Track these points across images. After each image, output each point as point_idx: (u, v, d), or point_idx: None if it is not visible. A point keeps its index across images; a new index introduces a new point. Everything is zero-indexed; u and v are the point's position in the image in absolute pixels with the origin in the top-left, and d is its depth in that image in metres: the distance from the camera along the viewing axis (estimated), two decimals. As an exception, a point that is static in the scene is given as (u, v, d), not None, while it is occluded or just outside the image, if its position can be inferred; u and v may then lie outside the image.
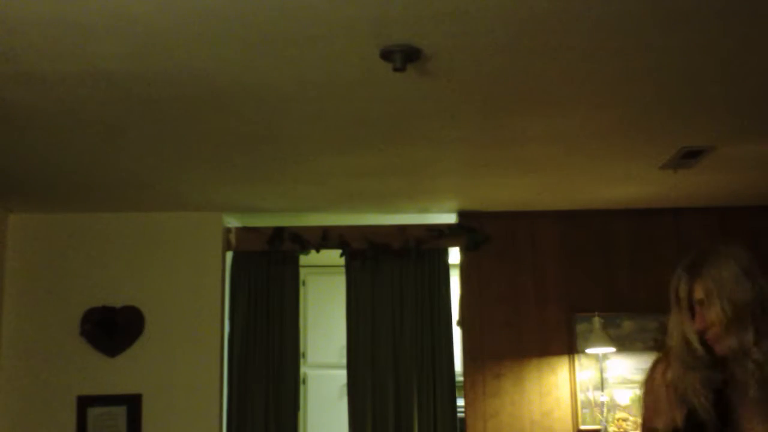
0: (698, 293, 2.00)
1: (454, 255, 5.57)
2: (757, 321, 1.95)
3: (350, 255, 5.41)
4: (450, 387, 5.28)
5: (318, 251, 5.39)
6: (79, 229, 5.20)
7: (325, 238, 5.36)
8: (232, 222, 5.47)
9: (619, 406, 5.19)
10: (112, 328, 5.07)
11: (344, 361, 5.37)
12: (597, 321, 5.14)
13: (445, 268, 5.46)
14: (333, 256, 5.46)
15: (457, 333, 5.43)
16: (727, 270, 1.98)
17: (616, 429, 5.03)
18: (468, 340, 5.35)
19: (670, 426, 2.03)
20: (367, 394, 5.24)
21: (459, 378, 5.38)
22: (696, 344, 2.00)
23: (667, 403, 2.04)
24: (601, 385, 5.16)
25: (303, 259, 5.49)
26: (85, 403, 4.97)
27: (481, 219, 5.41)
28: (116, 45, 2.75)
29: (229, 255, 5.42)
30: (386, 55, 2.81)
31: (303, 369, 6.16)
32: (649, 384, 2.13)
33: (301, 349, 5.83)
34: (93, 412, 4.97)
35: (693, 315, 2.01)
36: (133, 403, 5.00)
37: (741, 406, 1.97)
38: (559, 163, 4.38)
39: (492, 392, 5.25)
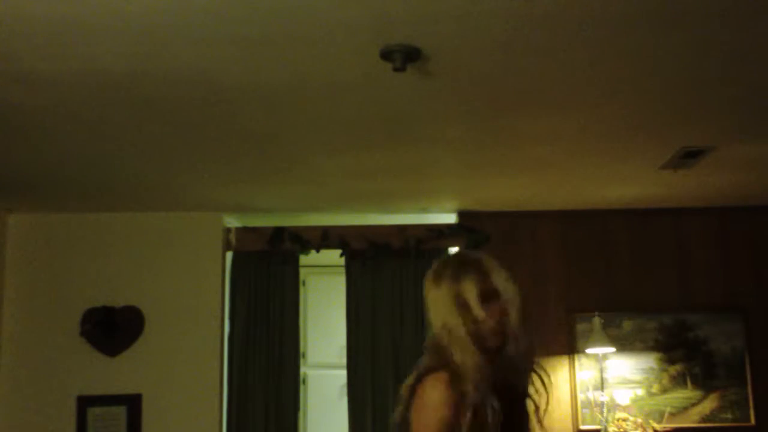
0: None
1: (454, 255, 5.56)
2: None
3: (350, 255, 5.41)
4: (450, 387, 5.27)
5: (318, 251, 5.39)
6: (79, 229, 5.20)
7: (325, 238, 5.35)
8: (232, 222, 5.47)
9: (619, 406, 5.18)
10: (112, 328, 5.07)
11: (344, 361, 5.36)
12: (597, 321, 5.14)
13: (446, 268, 5.45)
14: (333, 256, 5.45)
15: (457, 333, 5.42)
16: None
17: (616, 429, 5.03)
18: (468, 340, 5.34)
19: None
20: (367, 394, 5.24)
21: (459, 378, 5.37)
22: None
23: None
24: (601, 385, 5.16)
25: (303, 259, 5.49)
26: (85, 403, 4.97)
27: (481, 219, 5.41)
28: (116, 45, 2.75)
29: (229, 255, 5.42)
30: (386, 55, 2.81)
31: (303, 369, 6.15)
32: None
33: (301, 349, 5.82)
34: (93, 412, 4.97)
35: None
36: (133, 403, 5.00)
37: None
38: (559, 163, 4.38)
39: (492, 392, 5.24)
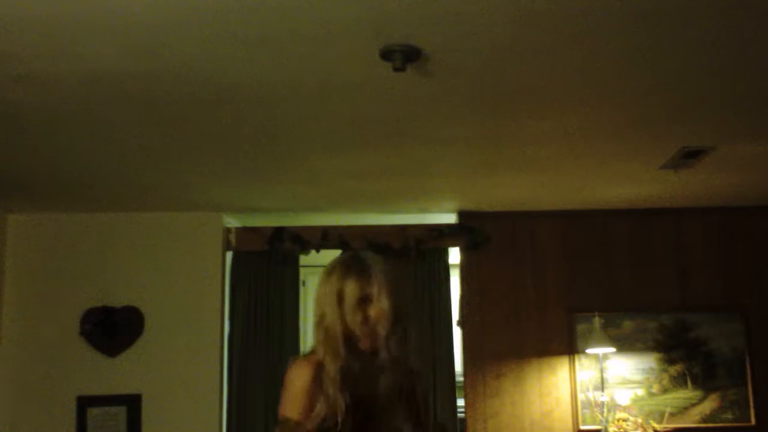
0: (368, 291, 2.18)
1: (454, 255, 5.57)
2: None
3: (350, 255, 5.40)
4: (450, 387, 5.28)
5: (318, 251, 5.39)
6: (79, 229, 5.20)
7: (325, 238, 5.35)
8: (232, 222, 5.47)
9: (619, 406, 5.18)
10: (112, 328, 5.07)
11: (344, 361, 5.35)
12: (597, 321, 5.14)
13: (445, 268, 5.46)
14: (333, 256, 5.43)
15: (457, 333, 5.43)
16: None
17: (616, 429, 5.02)
18: (468, 340, 5.35)
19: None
20: (367, 394, 5.23)
21: (459, 378, 5.38)
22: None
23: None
24: (602, 386, 5.16)
25: (303, 259, 5.49)
26: (85, 403, 4.97)
27: (481, 219, 5.41)
28: (116, 45, 2.75)
29: (229, 255, 5.42)
30: (386, 55, 2.81)
31: (303, 369, 6.14)
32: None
33: (301, 349, 5.82)
34: (93, 412, 4.97)
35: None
36: (132, 403, 5.00)
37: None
38: (559, 163, 4.38)
39: (492, 392, 5.25)
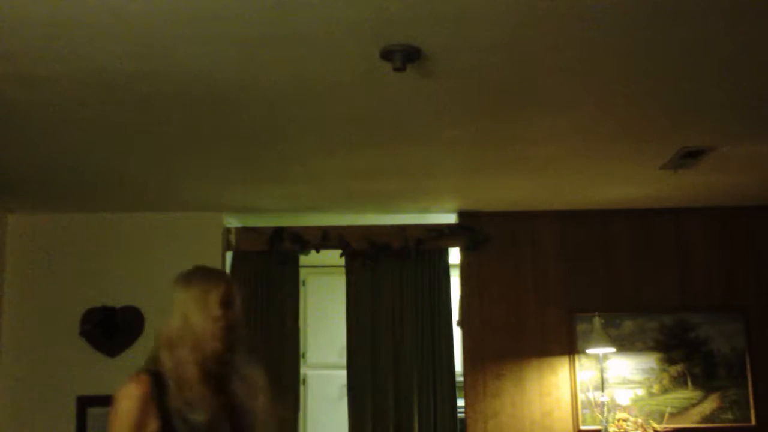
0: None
1: (454, 255, 5.57)
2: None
3: (350, 255, 5.41)
4: (450, 387, 5.28)
5: (318, 251, 5.39)
6: (79, 229, 5.20)
7: (325, 238, 5.35)
8: (232, 222, 5.47)
9: (619, 406, 5.18)
10: (112, 329, 5.06)
11: (344, 361, 5.36)
12: (597, 321, 5.13)
13: (446, 269, 5.46)
14: (333, 256, 5.45)
15: (457, 333, 5.43)
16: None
17: (616, 429, 5.02)
18: (468, 340, 5.35)
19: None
20: (367, 394, 5.24)
21: (459, 378, 5.38)
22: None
23: None
24: (602, 386, 5.16)
25: (303, 259, 5.49)
26: (85, 403, 4.97)
27: (481, 219, 5.41)
28: (116, 45, 2.75)
29: (229, 255, 5.41)
30: (386, 55, 2.81)
31: (303, 369, 6.15)
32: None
33: (301, 350, 5.82)
34: (93, 412, 4.96)
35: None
36: (133, 403, 4.99)
37: None
38: (559, 163, 4.38)
39: (492, 392, 5.25)
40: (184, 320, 2.25)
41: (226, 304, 2.27)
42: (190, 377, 2.19)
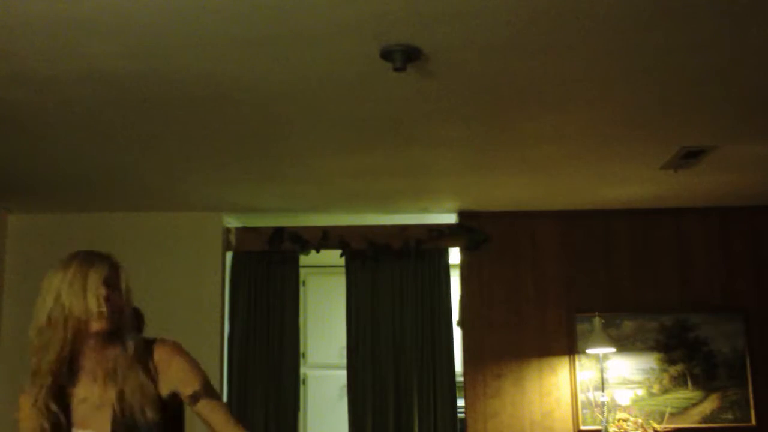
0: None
1: (455, 255, 5.57)
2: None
3: (350, 255, 5.41)
4: (450, 387, 5.28)
5: (318, 251, 5.39)
6: (79, 229, 5.20)
7: (325, 238, 5.35)
8: (232, 222, 5.47)
9: (619, 406, 5.18)
10: (112, 328, 5.05)
11: (344, 361, 5.36)
12: (597, 321, 5.13)
13: (446, 268, 5.46)
14: (333, 256, 5.45)
15: (457, 333, 5.43)
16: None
17: (616, 429, 5.02)
18: (468, 340, 5.35)
19: None
20: (367, 395, 5.24)
21: (459, 378, 5.38)
22: None
23: None
24: (602, 386, 5.16)
25: (303, 259, 5.49)
26: (85, 403, 4.96)
27: (481, 219, 5.41)
28: (116, 45, 2.75)
29: (229, 255, 5.41)
30: (386, 55, 2.81)
31: (303, 369, 6.15)
32: None
33: (301, 350, 5.82)
34: (93, 412, 4.96)
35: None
36: (133, 403, 4.99)
37: None
38: (559, 163, 4.38)
39: (492, 392, 5.25)
40: (55, 304, 2.18)
41: (108, 284, 2.21)
42: (47, 364, 2.19)
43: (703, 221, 5.45)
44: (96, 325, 2.14)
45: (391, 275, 5.37)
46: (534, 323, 5.33)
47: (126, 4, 2.46)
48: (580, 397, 5.20)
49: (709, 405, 5.21)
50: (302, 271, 5.64)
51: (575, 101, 3.44)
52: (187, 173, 4.44)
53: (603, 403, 5.11)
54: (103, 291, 2.17)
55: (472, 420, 5.23)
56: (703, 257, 5.41)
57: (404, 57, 2.80)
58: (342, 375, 5.45)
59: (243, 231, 5.43)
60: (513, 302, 5.36)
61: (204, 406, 2.16)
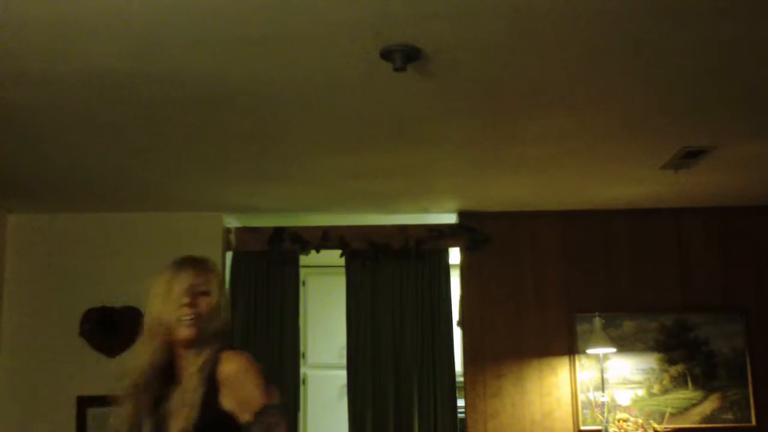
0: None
1: (455, 255, 5.56)
2: None
3: (350, 255, 5.41)
4: (450, 387, 5.28)
5: (318, 251, 5.39)
6: (79, 229, 5.20)
7: (325, 238, 5.35)
8: (232, 222, 5.47)
9: (619, 406, 5.18)
10: (112, 328, 5.06)
11: (344, 361, 5.36)
12: (597, 321, 5.13)
13: (446, 269, 5.46)
14: (333, 256, 5.45)
15: (457, 333, 5.43)
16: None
17: (616, 429, 5.02)
18: (468, 340, 5.35)
19: None
20: (367, 394, 5.24)
21: (459, 378, 5.38)
22: None
23: None
24: (602, 386, 5.16)
25: (303, 259, 5.49)
26: (85, 403, 4.97)
27: (481, 219, 5.40)
28: (116, 45, 2.75)
29: (229, 255, 5.41)
30: (386, 55, 2.81)
31: (303, 369, 6.15)
32: None
33: (301, 350, 5.82)
34: (93, 412, 4.96)
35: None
36: (133, 404, 4.99)
37: None
38: (559, 163, 4.38)
39: (492, 393, 5.25)
40: (149, 309, 2.22)
41: (194, 291, 2.19)
42: (141, 370, 2.19)
43: (703, 221, 5.45)
44: (180, 333, 2.15)
45: (391, 275, 5.37)
46: (534, 323, 5.33)
47: (126, 4, 2.46)
48: (581, 397, 5.20)
49: (710, 405, 5.21)
50: (302, 271, 5.64)
51: (575, 101, 3.44)
52: (187, 173, 4.44)
53: (603, 403, 5.11)
54: (185, 299, 2.16)
55: (472, 420, 5.23)
56: (703, 257, 5.41)
57: (404, 57, 2.80)
58: (342, 375, 5.44)
59: (243, 231, 5.43)
60: (513, 302, 5.36)
61: None
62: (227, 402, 2.08)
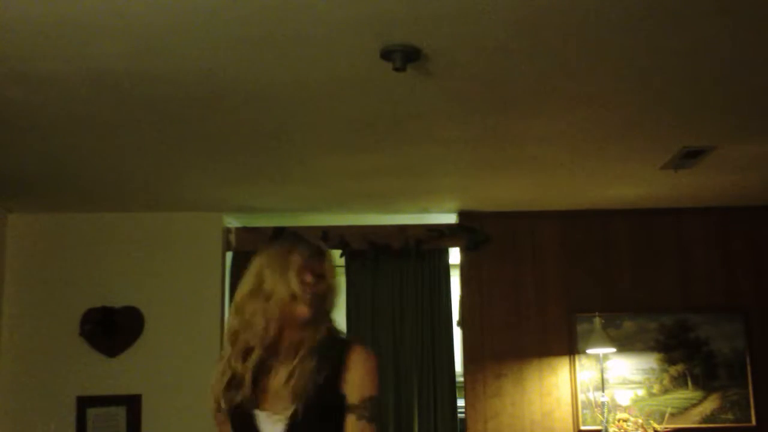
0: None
1: (455, 255, 5.56)
2: None
3: (350, 255, 5.41)
4: (450, 387, 5.28)
5: (318, 251, 5.38)
6: (79, 229, 5.20)
7: (325, 238, 5.35)
8: (232, 222, 5.47)
9: (619, 406, 5.18)
10: (112, 329, 5.06)
11: (344, 361, 5.35)
12: (597, 321, 5.13)
13: (446, 269, 5.46)
14: (333, 256, 5.44)
15: (457, 333, 5.43)
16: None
17: (616, 430, 5.02)
18: (468, 340, 5.35)
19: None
20: (367, 394, 5.23)
21: (459, 378, 5.38)
22: None
23: None
24: (602, 386, 5.16)
25: (303, 260, 5.47)
26: (85, 403, 4.97)
27: (481, 219, 5.40)
28: (116, 45, 2.75)
29: (229, 255, 5.41)
30: (386, 55, 2.81)
31: (303, 369, 6.14)
32: None
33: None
34: (93, 413, 4.97)
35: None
36: (132, 404, 5.00)
37: None
38: (559, 163, 4.38)
39: (492, 393, 5.25)
40: (259, 283, 2.15)
41: (312, 271, 2.15)
42: (246, 342, 2.14)
43: (703, 221, 5.45)
44: (299, 311, 2.11)
45: (391, 275, 5.37)
46: (534, 323, 5.33)
47: (126, 4, 2.46)
48: (581, 397, 5.20)
49: (710, 405, 5.21)
50: (302, 271, 5.63)
51: (575, 101, 3.44)
52: (187, 173, 4.44)
53: (603, 404, 5.11)
54: (309, 277, 2.13)
55: (472, 420, 5.23)
56: (703, 257, 5.41)
57: (404, 57, 2.80)
58: (342, 375, 5.43)
59: (243, 231, 5.43)
60: (513, 302, 5.36)
61: (351, 422, 2.07)
62: (346, 386, 2.09)
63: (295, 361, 2.08)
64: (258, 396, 2.11)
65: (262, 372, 2.12)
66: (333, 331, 2.18)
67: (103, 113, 3.43)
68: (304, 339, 2.12)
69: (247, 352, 2.13)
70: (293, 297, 2.11)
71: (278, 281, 2.12)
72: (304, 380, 2.06)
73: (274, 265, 2.15)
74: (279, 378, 2.10)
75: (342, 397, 2.08)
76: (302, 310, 2.11)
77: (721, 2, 2.54)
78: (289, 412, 2.05)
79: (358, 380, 2.09)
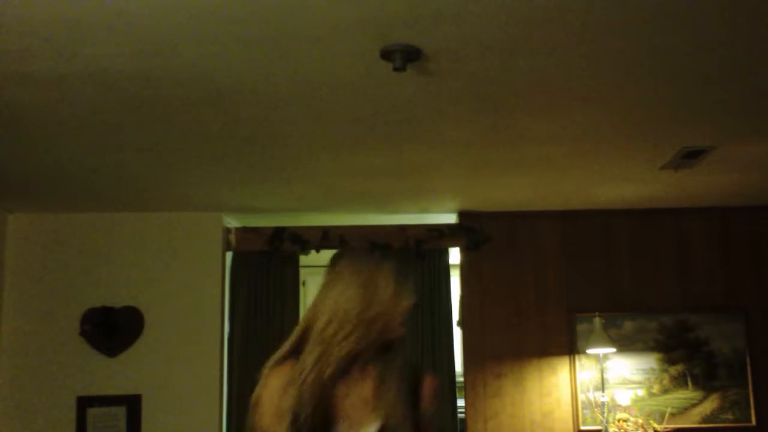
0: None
1: (455, 255, 5.56)
2: None
3: (350, 255, 5.40)
4: (450, 387, 5.28)
5: (318, 251, 5.39)
6: (79, 229, 5.20)
7: (325, 238, 5.35)
8: (232, 222, 5.47)
9: (619, 406, 5.18)
10: (112, 329, 5.06)
11: (344, 361, 5.35)
12: (597, 321, 5.13)
13: (446, 269, 5.46)
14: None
15: (457, 333, 5.42)
16: None
17: (616, 429, 5.02)
18: (468, 340, 5.35)
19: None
20: (367, 395, 5.23)
21: (459, 378, 5.37)
22: None
23: None
24: (602, 386, 5.16)
25: (303, 259, 5.49)
26: (85, 403, 4.97)
27: (481, 219, 5.41)
28: (116, 45, 2.75)
29: (229, 255, 5.41)
30: (386, 55, 2.81)
31: (303, 369, 6.13)
32: None
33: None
34: (93, 413, 4.97)
35: None
36: (132, 404, 5.00)
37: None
38: (559, 163, 4.38)
39: (492, 392, 5.25)
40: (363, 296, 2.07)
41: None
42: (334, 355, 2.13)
43: (703, 221, 5.45)
44: (397, 331, 2.07)
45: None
46: (534, 323, 5.33)
47: (126, 4, 2.46)
48: (581, 397, 5.20)
49: (710, 405, 5.21)
50: (302, 271, 5.63)
51: (575, 101, 3.44)
52: (187, 173, 4.44)
53: (603, 403, 5.11)
54: (408, 298, 2.08)
55: (472, 420, 5.22)
56: (703, 257, 5.41)
57: (404, 57, 2.80)
58: (342, 375, 5.43)
59: (243, 231, 5.43)
60: (513, 302, 5.36)
61: None
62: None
63: (385, 385, 2.05)
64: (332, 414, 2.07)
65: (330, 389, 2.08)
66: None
67: (104, 113, 3.43)
68: (385, 363, 2.08)
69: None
70: (396, 317, 2.07)
71: (386, 301, 2.07)
72: (390, 404, 2.03)
73: (381, 282, 2.10)
74: (351, 399, 2.07)
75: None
76: (401, 331, 2.08)
77: (721, 2, 2.54)
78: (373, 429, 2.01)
79: (427, 404, 2.08)
